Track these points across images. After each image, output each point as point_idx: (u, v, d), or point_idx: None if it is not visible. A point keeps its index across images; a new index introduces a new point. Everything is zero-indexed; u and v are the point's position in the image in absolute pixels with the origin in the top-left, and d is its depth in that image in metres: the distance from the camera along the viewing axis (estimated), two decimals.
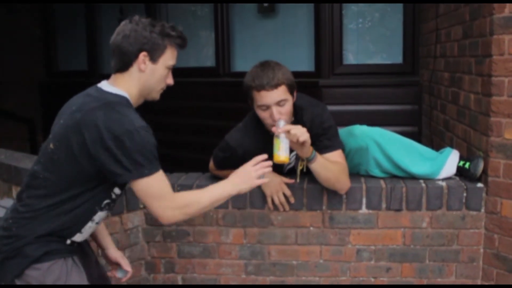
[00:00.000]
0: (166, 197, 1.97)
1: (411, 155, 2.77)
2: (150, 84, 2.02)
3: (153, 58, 1.98)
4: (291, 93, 2.49)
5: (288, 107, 2.48)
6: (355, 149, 2.74)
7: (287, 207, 2.75)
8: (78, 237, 2.05)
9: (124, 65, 1.99)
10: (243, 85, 2.49)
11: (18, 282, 1.96)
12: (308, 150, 2.43)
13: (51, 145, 1.94)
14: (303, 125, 2.61)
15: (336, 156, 2.61)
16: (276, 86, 2.40)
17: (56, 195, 1.93)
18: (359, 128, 2.81)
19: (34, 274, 1.94)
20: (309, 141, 2.37)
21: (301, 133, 2.33)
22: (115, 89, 1.97)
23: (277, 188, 2.71)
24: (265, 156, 2.22)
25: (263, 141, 2.63)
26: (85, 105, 1.91)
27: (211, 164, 2.86)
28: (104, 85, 2.01)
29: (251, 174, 2.15)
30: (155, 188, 1.94)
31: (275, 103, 2.43)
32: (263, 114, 2.50)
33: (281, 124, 2.36)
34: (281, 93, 2.43)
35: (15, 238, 1.94)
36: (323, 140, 2.62)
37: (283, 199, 2.72)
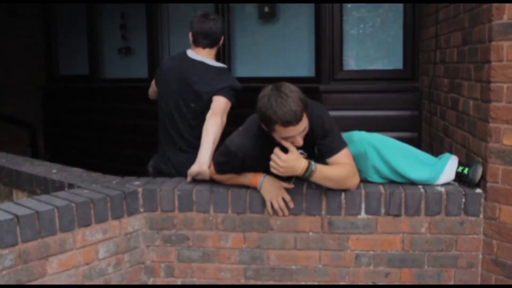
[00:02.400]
0: None
1: (410, 160, 2.78)
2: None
3: None
4: (306, 110, 2.50)
5: (307, 127, 2.53)
6: (354, 155, 2.75)
7: (286, 212, 2.75)
8: None
9: (213, 44, 3.27)
10: (262, 114, 2.45)
11: None
12: (299, 172, 2.50)
13: (193, 105, 3.17)
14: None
15: (342, 158, 2.64)
16: (301, 118, 2.42)
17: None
18: (358, 134, 2.82)
19: None
20: (288, 171, 2.50)
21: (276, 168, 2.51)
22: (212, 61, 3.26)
23: (277, 193, 2.72)
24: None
25: (264, 145, 2.64)
26: (210, 77, 3.17)
27: (211, 169, 2.86)
28: (202, 58, 3.24)
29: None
30: None
31: (300, 133, 2.48)
32: (285, 143, 2.51)
33: None
34: (304, 121, 2.46)
35: None
36: (326, 143, 2.65)
37: (282, 204, 2.73)
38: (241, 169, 2.79)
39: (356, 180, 2.69)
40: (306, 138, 2.65)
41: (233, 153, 2.68)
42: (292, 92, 2.44)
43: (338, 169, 2.63)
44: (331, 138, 2.65)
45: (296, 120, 2.40)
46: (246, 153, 2.67)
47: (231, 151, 2.68)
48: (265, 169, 2.78)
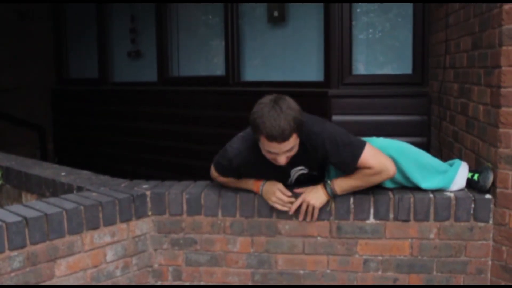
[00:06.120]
0: None
1: (424, 170, 2.72)
2: None
3: None
4: (300, 133, 2.46)
5: (295, 149, 2.49)
6: None
7: (291, 207, 2.72)
8: None
9: None
10: (253, 120, 2.42)
11: None
12: (322, 192, 2.66)
13: None
14: (303, 147, 2.58)
15: (367, 161, 2.53)
16: (287, 138, 2.37)
17: None
18: (376, 141, 2.72)
19: None
20: (318, 202, 2.68)
21: (310, 203, 2.69)
22: None
23: (274, 190, 2.71)
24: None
25: (261, 155, 2.59)
26: None
27: (213, 170, 2.85)
28: None
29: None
30: None
31: (284, 152, 2.45)
32: (268, 155, 2.51)
33: None
34: (291, 142, 2.41)
35: None
36: (339, 160, 2.58)
37: (283, 197, 2.70)
38: (237, 175, 2.79)
39: (386, 174, 2.56)
40: (307, 155, 2.61)
41: (230, 159, 2.67)
42: (289, 109, 2.38)
43: (360, 175, 2.59)
44: (340, 154, 2.54)
45: (282, 138, 2.35)
46: (241, 162, 2.67)
47: (229, 156, 2.67)
48: (262, 175, 2.79)
